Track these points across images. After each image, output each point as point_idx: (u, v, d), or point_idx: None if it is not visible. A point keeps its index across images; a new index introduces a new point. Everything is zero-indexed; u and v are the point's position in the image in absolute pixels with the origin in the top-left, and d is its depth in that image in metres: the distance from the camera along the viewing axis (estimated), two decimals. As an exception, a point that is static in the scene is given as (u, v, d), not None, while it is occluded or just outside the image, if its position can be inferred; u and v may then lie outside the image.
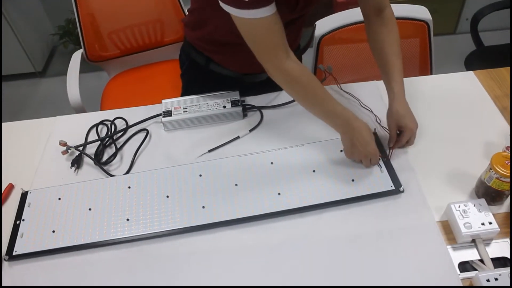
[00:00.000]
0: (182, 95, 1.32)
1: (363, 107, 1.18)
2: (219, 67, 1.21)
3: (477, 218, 0.89)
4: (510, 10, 1.97)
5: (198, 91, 1.24)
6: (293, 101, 1.21)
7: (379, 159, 1.02)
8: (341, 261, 0.88)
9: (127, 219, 0.98)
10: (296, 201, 0.97)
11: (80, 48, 1.91)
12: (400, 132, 1.04)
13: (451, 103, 1.19)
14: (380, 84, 1.23)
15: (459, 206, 0.91)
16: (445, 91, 1.23)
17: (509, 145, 1.02)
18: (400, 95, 1.04)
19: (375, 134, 1.09)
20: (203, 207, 0.98)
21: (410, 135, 1.03)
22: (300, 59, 1.30)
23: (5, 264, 0.94)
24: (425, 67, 1.60)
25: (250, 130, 1.16)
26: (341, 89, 1.24)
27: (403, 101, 1.04)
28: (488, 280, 0.79)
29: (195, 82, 1.31)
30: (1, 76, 2.88)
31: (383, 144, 1.07)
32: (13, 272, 0.93)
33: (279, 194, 0.99)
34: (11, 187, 1.10)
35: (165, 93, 1.28)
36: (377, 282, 0.84)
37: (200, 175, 1.04)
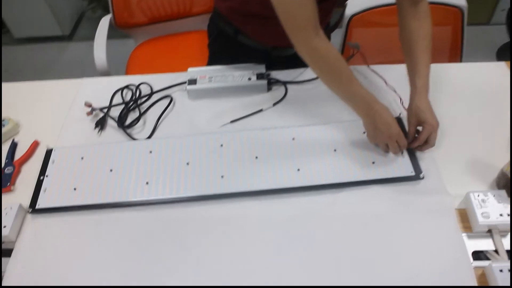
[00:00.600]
0: (208, 65, 1.32)
1: (388, 86, 1.17)
2: (247, 39, 1.21)
3: (496, 209, 0.88)
4: (510, 9, 1.92)
5: (224, 62, 1.25)
6: (318, 78, 1.20)
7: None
8: (353, 239, 0.88)
9: (147, 183, 0.99)
10: (315, 178, 0.97)
11: (108, 13, 1.91)
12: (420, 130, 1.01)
13: (478, 93, 1.17)
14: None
15: (478, 195, 0.90)
16: (473, 80, 1.20)
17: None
18: (423, 91, 1.00)
19: (399, 119, 1.07)
20: (222, 176, 0.99)
21: (430, 131, 0.97)
22: (329, 38, 1.29)
23: (28, 216, 0.97)
24: (455, 56, 1.57)
25: (274, 104, 1.16)
26: (368, 66, 1.22)
27: (425, 98, 0.99)
28: (501, 271, 0.79)
29: (221, 52, 1.31)
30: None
31: (407, 130, 1.05)
32: (35, 224, 0.96)
33: (298, 170, 0.99)
34: (36, 143, 1.12)
35: (190, 63, 1.28)
36: (389, 263, 0.84)
37: (221, 145, 1.05)
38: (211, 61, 1.35)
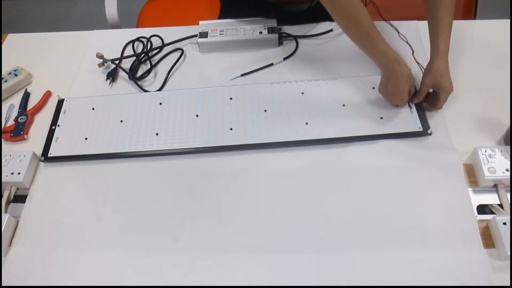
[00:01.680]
0: (219, 18, 1.31)
1: (401, 37, 1.16)
2: None
3: (502, 164, 0.88)
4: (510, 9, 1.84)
5: (235, 16, 1.23)
6: (329, 31, 1.19)
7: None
8: (361, 192, 0.90)
9: (156, 134, 1.01)
10: (323, 133, 0.98)
11: (120, -34, 1.88)
12: (434, 93, 1.00)
13: (491, 51, 1.14)
14: (421, 25, 1.19)
15: (485, 151, 0.90)
16: (487, 38, 1.18)
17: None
18: (445, 53, 0.97)
19: None
20: (231, 129, 1.00)
21: (446, 98, 0.97)
22: None
23: (40, 165, 0.99)
24: (469, 13, 1.53)
25: (284, 58, 1.15)
26: (380, 15, 1.19)
27: (446, 61, 0.97)
28: (504, 224, 0.80)
29: (233, 6, 1.30)
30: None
31: (416, 86, 1.05)
32: (47, 172, 0.98)
33: (306, 124, 1.00)
34: (48, 93, 1.13)
35: (202, 17, 1.27)
36: (394, 213, 0.86)
37: (231, 98, 1.05)
38: (222, 15, 1.33)
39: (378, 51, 0.96)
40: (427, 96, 1.00)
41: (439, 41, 0.97)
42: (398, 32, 1.16)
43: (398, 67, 0.95)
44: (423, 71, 1.00)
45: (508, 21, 1.21)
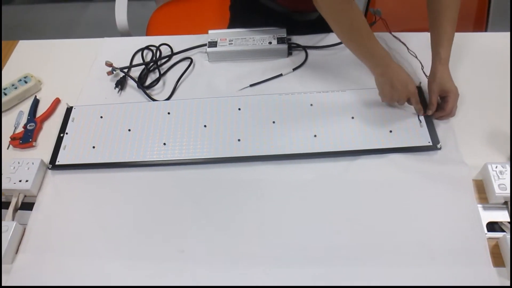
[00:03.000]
0: (229, 27, 1.31)
1: (410, 53, 1.15)
2: (269, 1, 1.19)
3: (509, 180, 0.87)
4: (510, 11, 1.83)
5: (245, 25, 1.23)
6: (339, 43, 1.18)
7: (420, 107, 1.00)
8: (369, 206, 0.89)
9: (164, 144, 1.00)
10: (331, 145, 0.97)
11: (130, -27, 1.89)
12: (442, 99, 1.01)
13: (501, 63, 1.13)
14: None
15: (496, 167, 0.89)
16: (497, 50, 1.17)
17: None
18: (446, 61, 1.00)
19: (418, 88, 1.05)
20: (239, 140, 1.00)
21: (456, 100, 0.99)
22: None
23: (48, 172, 0.99)
24: (480, 24, 1.52)
25: (294, 69, 1.15)
26: (390, 33, 1.20)
27: (448, 68, 1.00)
28: (515, 242, 0.79)
29: (242, 15, 1.30)
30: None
31: (426, 98, 1.04)
32: (55, 180, 0.98)
33: (315, 136, 0.99)
34: (57, 101, 1.14)
35: (211, 26, 1.27)
36: (402, 229, 0.85)
37: (239, 109, 1.05)
38: (232, 24, 1.33)
39: (376, 53, 0.97)
40: (437, 106, 1.01)
41: (440, 50, 0.99)
42: (407, 48, 1.16)
43: (396, 64, 0.97)
44: (428, 83, 1.02)
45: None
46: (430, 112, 1.00)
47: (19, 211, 0.94)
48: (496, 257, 0.81)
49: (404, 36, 1.20)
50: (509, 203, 0.87)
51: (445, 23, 1.00)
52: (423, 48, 1.15)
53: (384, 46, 1.14)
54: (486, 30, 1.52)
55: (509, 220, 0.86)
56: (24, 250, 0.87)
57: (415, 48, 1.16)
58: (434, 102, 1.00)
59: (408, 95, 0.97)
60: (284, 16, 1.22)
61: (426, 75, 1.08)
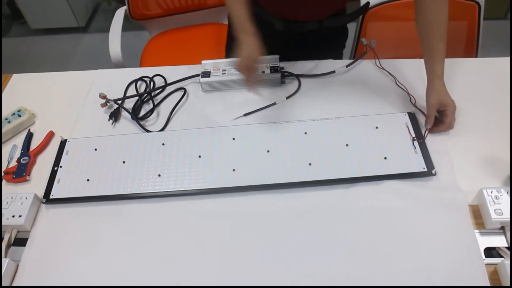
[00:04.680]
0: (226, 48, 1.34)
1: (399, 85, 1.16)
2: (260, 10, 1.20)
3: (509, 205, 0.87)
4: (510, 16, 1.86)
5: None
6: (332, 72, 1.20)
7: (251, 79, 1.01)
8: (365, 234, 0.88)
9: (159, 175, 1.00)
10: (326, 173, 0.97)
11: (123, 5, 1.92)
12: (440, 113, 1.03)
13: (494, 88, 1.15)
14: (423, 62, 1.20)
15: (491, 192, 0.89)
16: (488, 75, 1.18)
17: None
18: (441, 76, 1.03)
19: (412, 114, 1.06)
20: (234, 170, 0.99)
21: (454, 112, 1.02)
22: (346, 28, 1.31)
23: (42, 206, 0.98)
24: (471, 50, 1.55)
25: (287, 98, 1.16)
26: (378, 66, 1.21)
27: (443, 83, 1.03)
28: (514, 267, 0.78)
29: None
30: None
31: (419, 125, 1.04)
32: (49, 215, 0.97)
33: (310, 164, 0.99)
34: (51, 134, 1.14)
35: (205, 56, 1.29)
36: (399, 257, 0.84)
37: (234, 138, 1.05)
38: (229, 45, 1.35)
39: (237, 20, 1.00)
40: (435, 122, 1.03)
41: (434, 66, 1.03)
42: (396, 80, 1.17)
43: (249, 37, 0.97)
44: (426, 97, 1.04)
45: (509, 59, 1.22)
46: (428, 126, 1.03)
47: (12, 247, 0.93)
48: (496, 283, 0.80)
49: (396, 64, 1.21)
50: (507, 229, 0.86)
51: (436, 40, 1.02)
52: (415, 75, 1.17)
53: (375, 76, 1.16)
54: (476, 56, 1.54)
55: (506, 245, 0.85)
56: (17, 288, 0.86)
57: (407, 75, 1.17)
58: (432, 116, 1.02)
59: (236, 62, 0.99)
60: (283, 33, 1.23)
61: (415, 106, 1.09)
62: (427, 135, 1.02)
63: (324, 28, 1.20)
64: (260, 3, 1.20)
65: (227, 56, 1.43)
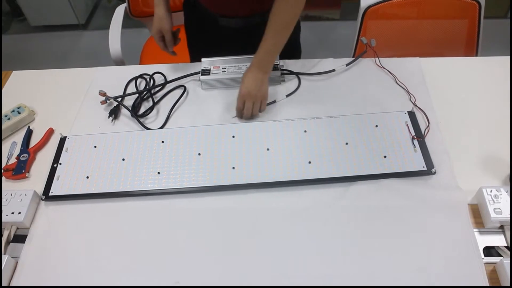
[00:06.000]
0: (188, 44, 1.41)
1: (398, 84, 1.16)
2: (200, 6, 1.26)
3: (508, 204, 0.87)
4: (510, 15, 1.86)
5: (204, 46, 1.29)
6: (332, 70, 1.20)
7: None
8: (364, 232, 0.88)
9: (158, 172, 1.00)
10: (326, 172, 0.97)
11: (123, 3, 1.92)
12: None
13: (494, 87, 1.15)
14: (423, 61, 1.20)
15: (491, 191, 0.89)
16: (488, 74, 1.18)
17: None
18: (253, 65, 1.08)
19: (411, 113, 1.06)
20: (233, 168, 0.99)
21: (241, 99, 1.07)
22: None
23: (41, 203, 0.98)
24: (471, 49, 1.54)
25: (287, 96, 1.16)
26: (378, 64, 1.21)
27: (253, 71, 1.08)
28: (513, 267, 0.78)
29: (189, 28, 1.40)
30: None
31: (419, 124, 1.04)
32: (48, 211, 0.97)
33: (309, 162, 0.99)
34: (51, 131, 1.14)
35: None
36: (398, 256, 0.84)
37: (233, 136, 1.05)
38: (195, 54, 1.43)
39: None
40: None
41: (255, 55, 1.08)
42: (396, 78, 1.17)
43: (159, 11, 1.17)
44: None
45: (508, 58, 1.22)
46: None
47: (11, 244, 0.93)
48: (494, 282, 0.80)
49: (396, 62, 1.21)
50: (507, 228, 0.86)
51: (267, 32, 1.05)
52: (412, 74, 1.17)
53: (375, 75, 1.16)
54: (476, 55, 1.54)
55: (505, 244, 0.85)
56: (16, 285, 0.86)
57: (407, 75, 1.17)
58: (239, 105, 1.09)
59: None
60: (213, 22, 1.26)
61: (415, 105, 1.09)
62: (426, 134, 1.02)
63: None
64: (202, 3, 1.25)
65: (192, 56, 1.48)
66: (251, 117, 1.10)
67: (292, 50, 1.15)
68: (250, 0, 1.18)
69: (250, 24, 1.22)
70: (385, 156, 0.99)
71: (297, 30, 1.34)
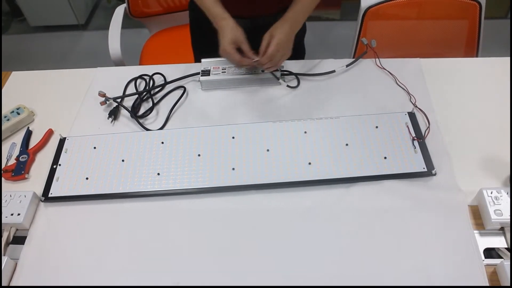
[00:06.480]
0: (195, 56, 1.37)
1: (399, 85, 1.16)
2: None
3: (509, 206, 0.86)
4: (510, 15, 1.86)
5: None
6: (332, 71, 1.19)
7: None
8: (364, 233, 0.88)
9: (158, 174, 1.00)
10: (326, 173, 0.97)
11: (123, 3, 1.92)
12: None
13: (494, 88, 1.14)
14: (423, 62, 1.20)
15: (491, 192, 0.89)
16: (489, 75, 1.18)
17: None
18: (287, 20, 1.07)
19: (412, 114, 1.06)
20: (233, 169, 0.99)
21: (276, 44, 1.04)
22: None
23: (40, 205, 0.98)
24: (471, 50, 1.54)
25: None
26: (378, 65, 1.21)
27: (287, 25, 1.07)
28: (513, 268, 0.78)
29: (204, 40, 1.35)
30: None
31: (420, 125, 1.04)
32: (48, 213, 0.97)
33: (309, 163, 0.99)
34: (50, 132, 1.13)
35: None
36: (398, 257, 0.84)
37: (233, 137, 1.05)
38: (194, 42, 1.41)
39: (209, 9, 1.08)
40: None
41: (288, 11, 1.09)
42: (396, 79, 1.17)
43: (225, 21, 1.06)
44: None
45: (508, 58, 1.22)
46: (256, 57, 1.08)
47: (10, 245, 0.93)
48: (495, 284, 0.80)
49: (397, 63, 1.21)
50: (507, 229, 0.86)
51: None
52: (412, 75, 1.17)
53: (374, 75, 1.16)
54: (477, 56, 1.53)
55: (506, 246, 0.85)
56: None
57: (407, 75, 1.17)
58: (263, 48, 1.06)
59: (222, 53, 1.07)
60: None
61: (416, 106, 1.08)
62: (427, 134, 1.02)
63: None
64: None
65: (196, 57, 1.46)
66: (271, 67, 1.11)
67: (296, 52, 1.14)
68: (257, 2, 1.18)
69: (257, 25, 1.21)
70: (385, 157, 0.98)
71: (302, 32, 1.35)
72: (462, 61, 1.23)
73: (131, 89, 1.23)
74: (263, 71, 1.17)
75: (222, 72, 1.19)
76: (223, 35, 1.05)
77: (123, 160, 1.03)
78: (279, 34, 1.05)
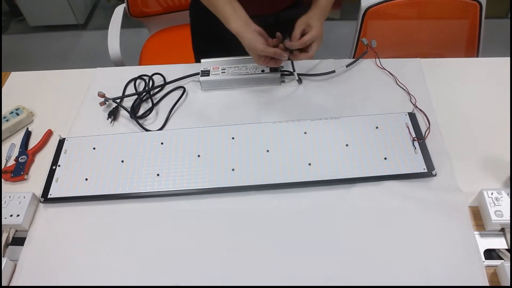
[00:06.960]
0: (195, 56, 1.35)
1: (399, 85, 1.15)
2: None
3: (509, 207, 0.86)
4: (511, 15, 1.86)
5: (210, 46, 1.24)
6: (333, 71, 1.19)
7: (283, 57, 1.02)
8: (365, 234, 0.88)
9: (157, 174, 0.99)
10: (326, 173, 0.97)
11: (122, 3, 1.91)
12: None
13: (495, 89, 1.14)
14: (424, 62, 1.20)
15: (491, 193, 0.89)
16: (489, 75, 1.18)
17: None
18: (322, 7, 1.05)
19: (412, 114, 1.06)
20: (233, 169, 0.99)
21: (314, 37, 1.01)
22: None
23: (40, 206, 0.98)
24: (472, 49, 1.54)
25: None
26: (378, 65, 1.21)
27: (321, 15, 1.04)
28: (514, 270, 0.78)
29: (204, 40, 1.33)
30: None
31: (420, 126, 1.04)
32: (47, 214, 0.97)
33: (309, 164, 0.98)
34: (50, 133, 1.13)
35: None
36: (399, 258, 0.84)
37: (233, 138, 1.05)
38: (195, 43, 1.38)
39: (219, 10, 1.01)
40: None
41: (317, 4, 1.06)
42: (397, 79, 1.17)
43: (235, 24, 1.00)
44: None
45: (509, 59, 1.21)
46: (288, 43, 1.03)
47: (9, 246, 0.93)
48: (495, 285, 0.80)
49: (397, 63, 1.21)
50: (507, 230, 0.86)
51: None
52: (413, 75, 1.16)
53: (374, 75, 1.15)
54: (477, 56, 1.53)
55: (506, 247, 0.85)
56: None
57: (407, 76, 1.17)
58: (297, 35, 1.02)
59: (258, 56, 1.02)
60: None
61: (416, 106, 1.08)
62: (427, 135, 1.01)
63: (281, 21, 1.19)
64: None
65: (196, 57, 1.44)
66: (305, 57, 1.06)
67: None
68: (260, 1, 1.17)
69: (281, 20, 1.21)
70: (385, 158, 0.98)
71: None
72: (462, 61, 1.23)
73: (130, 89, 1.23)
74: (277, 69, 1.17)
75: (221, 72, 1.19)
76: (244, 40, 1.00)
77: (122, 161, 1.03)
78: (315, 28, 1.01)
